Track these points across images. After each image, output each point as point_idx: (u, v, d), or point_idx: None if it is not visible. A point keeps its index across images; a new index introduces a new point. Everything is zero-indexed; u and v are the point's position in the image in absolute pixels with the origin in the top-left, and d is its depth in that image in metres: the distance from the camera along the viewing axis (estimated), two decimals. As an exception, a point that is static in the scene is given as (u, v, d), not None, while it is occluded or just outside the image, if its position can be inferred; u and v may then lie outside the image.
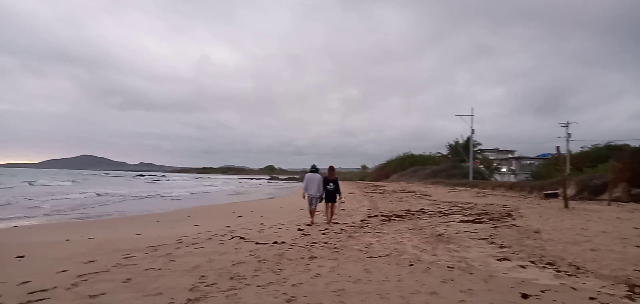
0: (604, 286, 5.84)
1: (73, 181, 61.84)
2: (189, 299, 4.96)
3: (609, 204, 20.51)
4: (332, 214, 13.13)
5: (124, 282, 5.66)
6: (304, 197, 13.22)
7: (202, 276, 6.02)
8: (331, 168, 13.54)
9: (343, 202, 16.79)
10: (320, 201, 13.07)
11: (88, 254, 7.47)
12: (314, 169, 13.26)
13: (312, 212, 12.99)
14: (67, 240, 9.50)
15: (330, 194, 13.05)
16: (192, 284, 5.56)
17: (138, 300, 4.94)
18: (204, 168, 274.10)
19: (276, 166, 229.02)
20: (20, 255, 7.37)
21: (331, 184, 13.10)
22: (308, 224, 12.34)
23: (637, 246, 8.91)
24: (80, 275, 5.92)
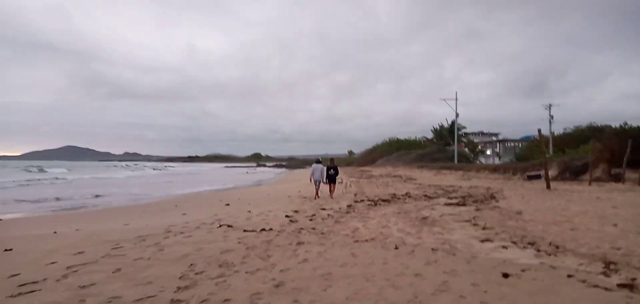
0: (581, 264, 6.06)
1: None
2: (178, 287, 5.04)
3: (589, 185, 20.97)
4: (333, 191, 17.71)
5: (113, 272, 5.71)
6: (310, 180, 18.03)
7: (191, 264, 6.10)
8: (332, 159, 18.96)
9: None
10: (322, 183, 17.80)
11: (76, 245, 7.48)
12: (318, 161, 18.68)
13: (316, 190, 17.51)
14: (55, 232, 9.48)
15: (332, 177, 17.82)
16: (182, 273, 5.64)
17: (128, 289, 5.01)
18: (190, 157, 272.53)
19: (263, 154, 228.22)
20: (8, 248, 7.36)
21: (332, 170, 17.88)
22: (316, 198, 16.90)
23: (614, 225, 9.19)
24: (70, 267, 5.96)
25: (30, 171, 56.89)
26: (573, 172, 25.68)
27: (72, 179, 43.56)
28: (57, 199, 21.55)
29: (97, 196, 23.95)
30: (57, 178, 43.69)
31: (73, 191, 27.65)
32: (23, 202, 20.13)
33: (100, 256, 6.63)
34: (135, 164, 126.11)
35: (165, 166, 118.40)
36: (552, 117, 50.14)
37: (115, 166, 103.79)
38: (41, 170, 60.99)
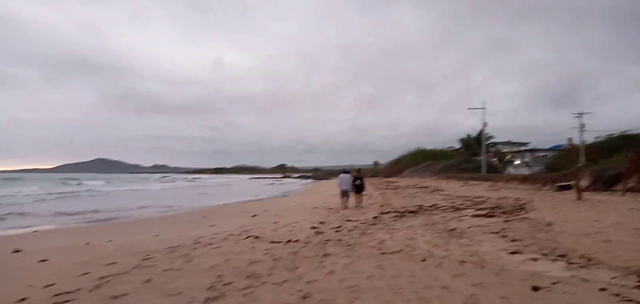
0: (615, 277, 5.89)
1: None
2: (207, 298, 5.13)
3: (623, 195, 20.36)
4: (360, 201, 18.03)
5: (144, 283, 5.85)
6: (338, 191, 18.22)
7: (220, 275, 6.19)
8: (358, 170, 19.40)
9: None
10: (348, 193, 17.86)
11: (108, 256, 7.69)
12: (346, 171, 18.53)
13: (344, 201, 17.47)
14: (87, 243, 9.74)
15: (358, 188, 17.96)
16: (210, 284, 5.73)
17: (159, 300, 5.13)
18: (217, 169, 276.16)
19: (288, 165, 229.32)
20: (43, 259, 7.61)
21: (358, 180, 18.05)
22: (344, 209, 16.76)
23: (651, 237, 8.91)
24: (102, 277, 6.13)
25: (68, 184, 58.64)
26: (605, 183, 24.94)
27: (109, 191, 44.72)
28: (95, 211, 22.08)
29: (140, 207, 24.52)
30: (94, 190, 44.89)
31: (111, 203, 28.32)
32: (61, 214, 20.70)
33: (132, 267, 6.79)
34: (165, 176, 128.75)
35: (194, 178, 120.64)
36: (583, 125, 48.82)
37: (148, 178, 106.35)
38: (79, 183, 62.90)
